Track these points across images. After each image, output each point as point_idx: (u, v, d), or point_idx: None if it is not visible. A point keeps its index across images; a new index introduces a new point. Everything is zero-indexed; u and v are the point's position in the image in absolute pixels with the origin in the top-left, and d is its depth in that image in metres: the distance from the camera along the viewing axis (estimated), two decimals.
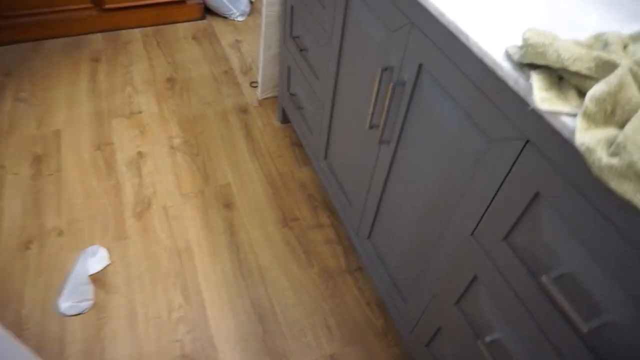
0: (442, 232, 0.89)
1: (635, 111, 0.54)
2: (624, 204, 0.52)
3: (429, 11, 0.78)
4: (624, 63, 0.55)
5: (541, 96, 0.57)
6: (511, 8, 0.82)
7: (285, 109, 1.72)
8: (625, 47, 0.62)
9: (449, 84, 0.77)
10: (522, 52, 0.60)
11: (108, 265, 1.36)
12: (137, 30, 2.32)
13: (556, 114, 0.56)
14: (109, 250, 1.40)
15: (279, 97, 1.77)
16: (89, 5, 2.20)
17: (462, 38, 0.69)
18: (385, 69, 0.93)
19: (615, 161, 0.49)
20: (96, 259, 1.37)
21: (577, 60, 0.56)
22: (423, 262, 0.98)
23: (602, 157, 0.50)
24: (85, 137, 1.74)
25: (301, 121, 1.56)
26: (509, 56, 0.64)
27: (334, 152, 1.35)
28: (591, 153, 0.51)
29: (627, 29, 0.80)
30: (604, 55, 0.56)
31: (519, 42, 0.66)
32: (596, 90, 0.54)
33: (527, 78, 0.60)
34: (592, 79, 0.57)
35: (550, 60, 0.57)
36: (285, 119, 1.84)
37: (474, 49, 0.67)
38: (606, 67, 0.56)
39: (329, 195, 1.44)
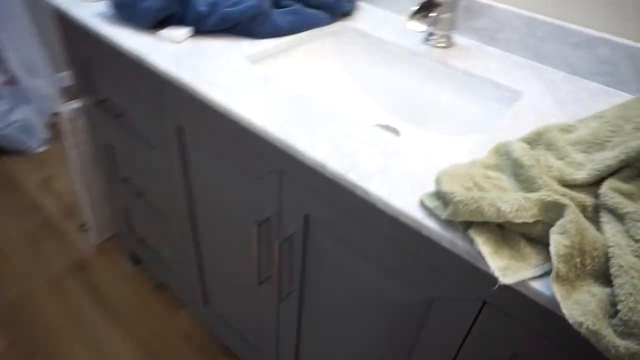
0: None
1: (603, 256, 0.45)
2: None
3: (302, 162, 0.62)
4: (569, 202, 0.46)
5: (498, 266, 0.45)
6: (384, 139, 0.72)
7: (136, 251, 1.41)
8: (538, 160, 0.55)
9: (354, 239, 0.62)
10: (451, 211, 0.47)
11: None
12: None
13: (523, 282, 0.45)
14: None
15: (126, 240, 1.45)
16: None
17: (360, 193, 0.55)
18: (261, 223, 0.74)
19: (635, 347, 0.38)
20: None
21: (520, 210, 0.46)
22: None
23: (615, 342, 0.39)
24: None
25: (161, 265, 1.27)
26: (429, 211, 0.51)
27: (217, 298, 1.10)
28: (598, 337, 0.40)
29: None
30: (545, 196, 0.46)
31: (428, 185, 0.54)
32: (559, 247, 0.43)
33: (464, 236, 0.48)
34: (538, 223, 0.47)
35: (490, 216, 0.46)
36: (137, 259, 1.52)
37: (380, 206, 0.54)
38: (549, 206, 0.47)
39: (225, 342, 1.18)
